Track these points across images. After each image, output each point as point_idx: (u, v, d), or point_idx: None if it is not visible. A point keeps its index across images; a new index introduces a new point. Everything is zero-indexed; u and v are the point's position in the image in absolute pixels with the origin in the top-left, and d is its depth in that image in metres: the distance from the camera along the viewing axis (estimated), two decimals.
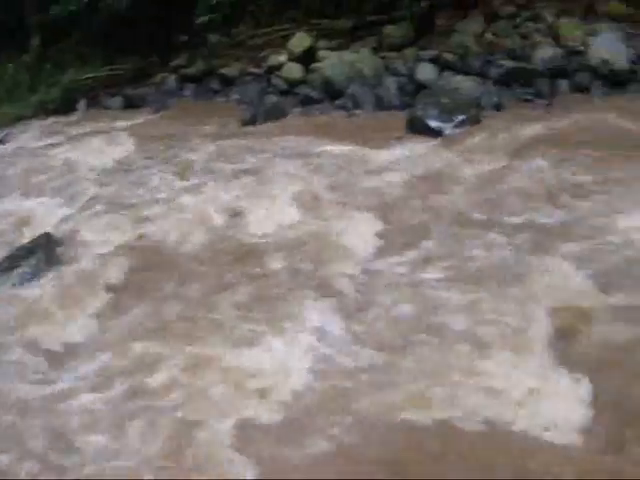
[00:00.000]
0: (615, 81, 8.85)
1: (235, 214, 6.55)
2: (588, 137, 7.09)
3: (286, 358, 3.74)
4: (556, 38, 9.75)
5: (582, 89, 8.87)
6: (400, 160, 7.50)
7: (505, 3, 10.65)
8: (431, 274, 4.44)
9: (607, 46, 9.24)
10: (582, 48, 9.38)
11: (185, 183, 7.46)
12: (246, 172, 7.49)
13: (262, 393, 3.52)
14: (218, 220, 6.36)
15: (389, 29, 10.72)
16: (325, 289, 4.64)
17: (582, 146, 6.80)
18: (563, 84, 9.01)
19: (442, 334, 3.72)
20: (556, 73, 9.13)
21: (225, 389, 3.55)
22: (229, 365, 3.73)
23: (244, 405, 3.46)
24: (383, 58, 10.23)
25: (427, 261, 4.65)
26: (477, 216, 5.13)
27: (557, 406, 3.37)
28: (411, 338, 3.77)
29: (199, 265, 5.31)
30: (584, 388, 3.43)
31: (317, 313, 4.25)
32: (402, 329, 3.86)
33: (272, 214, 6.38)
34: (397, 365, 3.60)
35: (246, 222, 6.28)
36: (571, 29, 9.82)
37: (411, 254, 4.83)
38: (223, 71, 11.32)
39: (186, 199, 6.87)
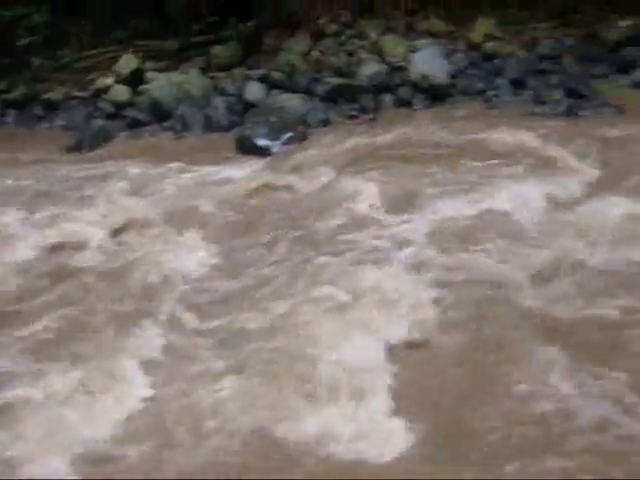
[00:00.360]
0: (435, 94, 9.17)
1: (48, 243, 6.17)
2: (407, 149, 7.23)
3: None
4: (380, 55, 10.01)
5: (405, 103, 9.15)
6: (226, 180, 7.37)
7: (331, 21, 10.84)
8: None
9: (427, 62, 9.56)
10: (404, 64, 9.67)
11: None
12: (63, 199, 7.09)
13: None
14: (27, 250, 5.95)
15: (217, 49, 10.66)
16: (127, 315, 4.41)
17: (400, 158, 6.92)
18: (387, 99, 9.25)
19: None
20: (380, 88, 9.37)
21: None
22: None
23: None
24: (212, 78, 10.15)
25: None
26: (280, 233, 5.06)
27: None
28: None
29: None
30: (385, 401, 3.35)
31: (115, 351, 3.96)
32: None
33: (87, 239, 6.06)
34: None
35: (58, 249, 5.93)
36: (394, 46, 10.12)
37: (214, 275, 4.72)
38: (47, 96, 10.81)
39: None
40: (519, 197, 5.02)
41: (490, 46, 10.13)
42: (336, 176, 6.52)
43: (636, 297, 3.81)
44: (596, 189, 5.43)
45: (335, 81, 9.54)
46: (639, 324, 3.60)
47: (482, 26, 10.49)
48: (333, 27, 10.71)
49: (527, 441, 2.95)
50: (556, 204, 5.04)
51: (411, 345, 3.62)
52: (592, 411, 3.02)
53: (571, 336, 3.50)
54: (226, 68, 10.31)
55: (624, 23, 10.39)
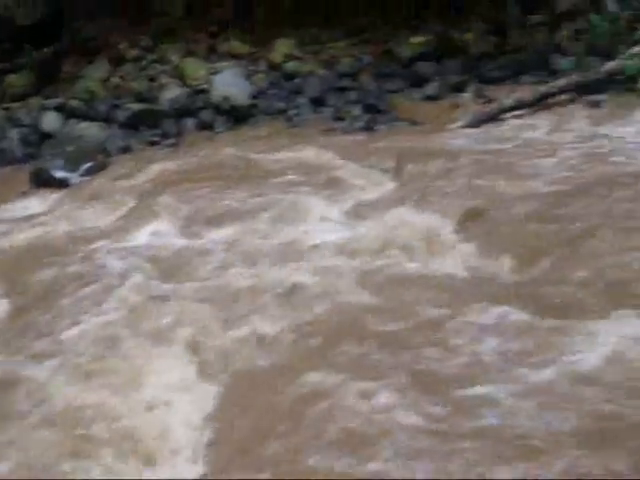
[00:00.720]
0: (237, 116, 9.24)
1: None
2: (205, 173, 7.20)
3: None
4: (182, 78, 9.95)
5: (207, 126, 9.14)
6: (18, 218, 7.02)
7: (131, 46, 10.65)
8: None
9: (228, 83, 9.61)
10: (206, 86, 9.67)
11: None
12: None
13: None
14: None
15: (12, 78, 10.15)
16: None
17: (201, 180, 6.87)
18: (189, 123, 9.20)
19: None
20: (182, 112, 9.31)
21: None
22: None
23: None
24: (6, 109, 9.66)
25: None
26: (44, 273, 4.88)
27: None
28: None
29: None
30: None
31: None
32: None
33: None
34: None
35: None
36: (195, 69, 10.09)
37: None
38: None
39: None
40: (295, 217, 5.13)
41: (290, 66, 10.32)
42: (130, 205, 6.40)
43: None
44: (378, 203, 5.64)
45: (136, 107, 9.37)
46: None
47: (282, 46, 10.66)
48: (133, 52, 10.52)
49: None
50: (331, 222, 5.18)
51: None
52: None
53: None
54: (21, 98, 9.84)
55: (416, 40, 10.92)
